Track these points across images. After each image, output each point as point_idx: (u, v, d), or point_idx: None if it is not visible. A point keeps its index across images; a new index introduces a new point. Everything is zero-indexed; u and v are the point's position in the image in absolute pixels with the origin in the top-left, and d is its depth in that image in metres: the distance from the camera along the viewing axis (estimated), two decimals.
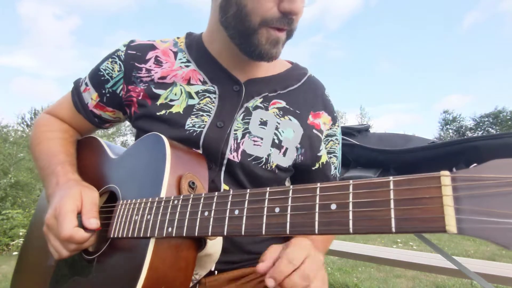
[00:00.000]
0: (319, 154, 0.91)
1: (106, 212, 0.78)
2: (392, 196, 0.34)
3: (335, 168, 0.97)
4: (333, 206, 0.38)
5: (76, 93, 0.99)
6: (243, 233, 0.48)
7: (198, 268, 0.71)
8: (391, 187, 0.34)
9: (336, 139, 0.97)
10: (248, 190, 0.51)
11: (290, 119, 0.88)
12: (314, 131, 0.90)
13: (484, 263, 2.27)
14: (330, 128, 0.95)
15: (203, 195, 0.58)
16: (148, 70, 0.90)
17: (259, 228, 0.46)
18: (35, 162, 0.95)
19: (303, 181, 0.94)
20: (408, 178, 0.33)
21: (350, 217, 0.36)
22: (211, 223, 0.54)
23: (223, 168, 0.82)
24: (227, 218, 0.52)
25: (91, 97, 0.96)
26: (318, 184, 0.41)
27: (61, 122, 1.01)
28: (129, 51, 0.92)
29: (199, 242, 0.67)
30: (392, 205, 0.33)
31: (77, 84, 1.00)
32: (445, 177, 0.31)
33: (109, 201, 0.82)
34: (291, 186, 0.45)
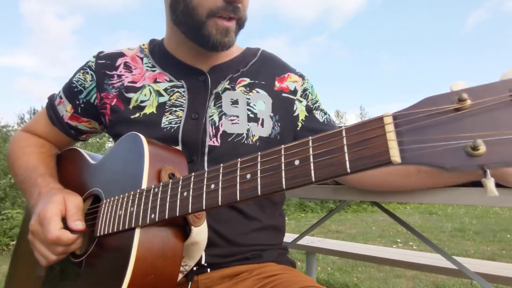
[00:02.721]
0: (295, 114, 0.94)
1: (91, 214, 0.79)
2: (345, 142, 0.36)
3: (325, 114, 0.98)
4: (297, 162, 0.40)
5: (51, 107, 1.01)
6: (219, 203, 0.50)
7: (186, 258, 0.72)
8: (344, 134, 0.37)
9: (311, 92, 0.99)
10: (221, 164, 0.53)
11: (258, 92, 0.92)
12: (284, 95, 0.94)
13: (484, 263, 2.28)
14: (303, 84, 0.98)
15: (181, 177, 0.60)
16: (119, 76, 0.94)
17: (234, 195, 0.48)
18: (15, 177, 0.96)
19: None
20: (357, 124, 0.36)
21: (312, 167, 0.38)
22: (190, 201, 0.55)
23: (205, 158, 0.83)
24: (204, 193, 0.54)
25: (65, 109, 0.99)
26: (282, 146, 0.44)
27: (37, 138, 1.03)
28: (99, 61, 0.97)
29: (185, 231, 0.68)
30: (345, 150, 0.36)
31: (51, 99, 1.03)
32: (387, 117, 0.34)
33: (93, 204, 0.83)
34: (259, 152, 0.47)
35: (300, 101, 0.95)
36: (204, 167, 0.83)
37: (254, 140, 0.86)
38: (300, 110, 0.94)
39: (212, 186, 0.53)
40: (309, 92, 0.98)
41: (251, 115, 0.88)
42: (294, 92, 0.95)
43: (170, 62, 0.94)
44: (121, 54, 0.98)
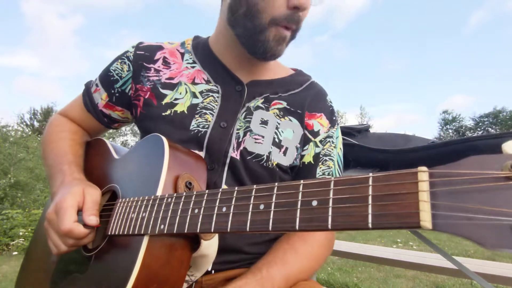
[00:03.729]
0: (302, 153, 0.91)
1: (107, 210, 0.79)
2: (370, 192, 0.33)
3: (329, 174, 0.93)
4: (314, 203, 0.37)
5: (87, 94, 1.01)
6: (228, 229, 0.49)
7: (193, 269, 0.71)
8: (370, 183, 0.34)
9: (333, 141, 0.95)
10: (236, 188, 0.52)
11: (290, 120, 0.89)
12: (305, 131, 0.91)
13: (484, 263, 2.25)
14: (328, 130, 0.94)
15: (194, 193, 0.58)
16: (157, 71, 0.92)
17: (244, 224, 0.46)
18: (44, 160, 0.96)
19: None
20: (387, 174, 0.33)
21: (330, 213, 0.36)
22: (200, 220, 0.54)
23: (226, 168, 0.82)
24: (215, 215, 0.52)
25: (101, 97, 0.99)
26: (302, 181, 0.41)
27: (72, 123, 1.03)
28: (137, 52, 0.95)
29: (194, 243, 0.67)
30: (370, 201, 0.33)
31: (88, 86, 1.02)
32: (423, 172, 0.30)
33: (111, 200, 0.83)
34: (276, 184, 0.45)
35: (316, 145, 0.92)
36: (223, 177, 0.82)
37: (274, 164, 0.84)
38: (308, 153, 0.91)
39: (224, 209, 0.51)
40: (330, 141, 0.94)
41: (276, 140, 0.86)
42: (316, 133, 0.92)
43: (212, 62, 0.92)
44: (161, 47, 0.96)
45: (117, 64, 0.97)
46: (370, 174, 0.34)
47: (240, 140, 0.83)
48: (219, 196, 0.53)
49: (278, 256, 0.76)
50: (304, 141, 0.90)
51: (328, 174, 0.92)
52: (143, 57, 0.94)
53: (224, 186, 0.81)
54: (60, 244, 0.72)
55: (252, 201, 0.47)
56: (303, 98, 0.93)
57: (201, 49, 0.95)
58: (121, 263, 0.65)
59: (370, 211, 0.33)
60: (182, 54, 0.95)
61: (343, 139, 1.65)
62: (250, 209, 0.46)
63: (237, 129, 0.84)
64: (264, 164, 0.83)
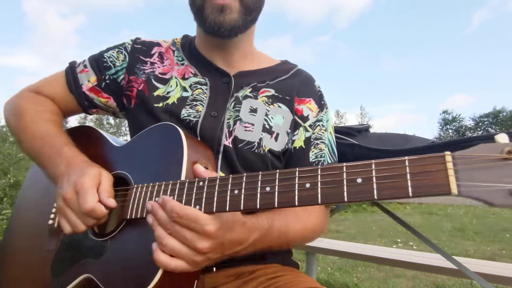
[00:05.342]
0: (293, 138, 0.97)
1: (116, 196, 0.85)
2: (408, 171, 0.46)
3: (322, 156, 0.98)
4: (359, 180, 0.49)
5: (71, 73, 1.03)
6: (276, 205, 0.56)
7: None
8: (407, 163, 0.47)
9: (323, 125, 1.01)
10: (278, 171, 0.59)
11: (279, 106, 0.97)
12: (295, 116, 0.98)
13: (484, 263, 2.33)
14: (317, 115, 1.00)
15: (231, 176, 0.65)
16: (152, 63, 1.00)
17: (292, 200, 0.55)
18: (26, 141, 0.94)
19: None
20: (420, 157, 0.46)
21: (375, 187, 0.48)
22: (242, 198, 0.61)
23: (220, 156, 0.89)
24: (258, 194, 0.59)
25: (88, 79, 1.01)
26: (344, 164, 0.52)
27: (50, 103, 1.02)
28: (135, 45, 1.03)
29: None
30: (408, 177, 0.46)
31: (72, 65, 1.04)
32: (448, 155, 0.44)
33: (117, 186, 0.88)
34: (319, 167, 0.55)
35: (306, 130, 0.98)
36: (218, 165, 0.88)
37: (265, 150, 0.91)
38: (299, 137, 0.97)
39: (267, 188, 0.58)
40: (320, 125, 1.00)
41: (267, 126, 0.93)
42: (305, 118, 0.98)
43: (198, 58, 1.01)
44: (158, 44, 1.05)
45: (113, 52, 1.02)
46: (406, 158, 0.47)
47: (231, 129, 0.91)
48: (260, 178, 0.60)
49: (281, 213, 0.82)
50: (294, 126, 0.97)
51: (321, 157, 0.97)
52: (141, 51, 1.02)
53: (220, 173, 0.87)
54: (80, 224, 0.76)
55: (297, 181, 0.56)
56: (291, 84, 1.01)
57: (188, 47, 1.05)
58: (146, 246, 0.69)
59: (409, 184, 0.46)
60: (173, 51, 1.04)
61: (343, 139, 1.72)
62: (296, 188, 0.55)
63: (228, 119, 0.92)
64: (256, 150, 0.90)
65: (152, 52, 1.02)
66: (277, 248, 0.82)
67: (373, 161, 0.49)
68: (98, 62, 1.01)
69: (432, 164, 0.44)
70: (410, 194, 0.44)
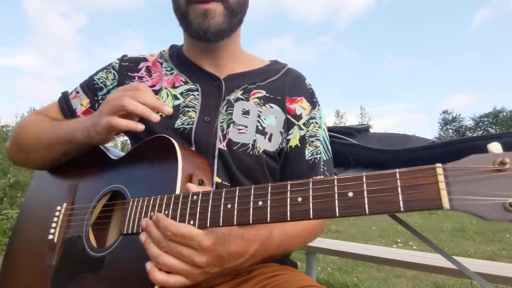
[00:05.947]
0: (288, 137, 0.98)
1: (108, 211, 0.84)
2: (399, 184, 0.45)
3: (317, 153, 0.98)
4: (350, 194, 0.49)
5: (64, 99, 1.06)
6: (268, 220, 0.56)
7: None
8: (397, 176, 0.46)
9: (316, 122, 1.01)
10: (269, 184, 0.59)
11: (271, 107, 0.98)
12: (288, 115, 0.99)
13: (484, 263, 2.34)
14: (310, 112, 1.01)
15: (224, 189, 0.64)
16: (140, 78, 1.02)
17: (284, 215, 0.55)
18: (41, 132, 0.95)
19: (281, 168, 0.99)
20: (411, 170, 0.45)
21: (366, 201, 0.47)
22: (235, 213, 0.60)
23: (216, 161, 0.89)
24: (251, 208, 0.59)
25: (81, 103, 1.03)
26: (335, 177, 0.51)
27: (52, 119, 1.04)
28: (122, 63, 1.05)
29: None
30: (399, 191, 0.45)
31: (65, 94, 1.07)
32: (439, 168, 0.43)
33: (111, 200, 0.87)
34: (310, 179, 0.54)
35: (300, 128, 0.99)
36: (214, 170, 0.88)
37: (260, 151, 0.92)
38: (294, 136, 0.98)
39: (260, 203, 0.58)
40: (313, 122, 1.01)
41: (260, 128, 0.94)
42: (299, 117, 0.99)
43: (187, 66, 1.02)
44: (144, 59, 1.06)
45: (102, 74, 1.05)
46: (397, 170, 0.46)
47: (225, 132, 0.91)
48: (252, 192, 0.60)
49: None
50: (288, 125, 0.98)
51: (317, 154, 0.98)
52: (128, 67, 1.04)
53: (216, 178, 0.88)
54: (124, 95, 0.80)
55: (289, 195, 0.56)
56: (282, 84, 1.02)
57: (176, 56, 1.06)
58: (144, 260, 0.68)
59: (401, 198, 0.45)
60: (161, 63, 1.05)
61: (343, 139, 1.72)
62: (288, 202, 0.55)
63: (221, 122, 0.92)
64: (251, 152, 0.91)
65: (139, 67, 1.04)
66: (279, 255, 0.82)
67: (364, 174, 0.48)
68: (89, 86, 1.04)
69: (423, 177, 0.43)
70: (402, 209, 0.43)
